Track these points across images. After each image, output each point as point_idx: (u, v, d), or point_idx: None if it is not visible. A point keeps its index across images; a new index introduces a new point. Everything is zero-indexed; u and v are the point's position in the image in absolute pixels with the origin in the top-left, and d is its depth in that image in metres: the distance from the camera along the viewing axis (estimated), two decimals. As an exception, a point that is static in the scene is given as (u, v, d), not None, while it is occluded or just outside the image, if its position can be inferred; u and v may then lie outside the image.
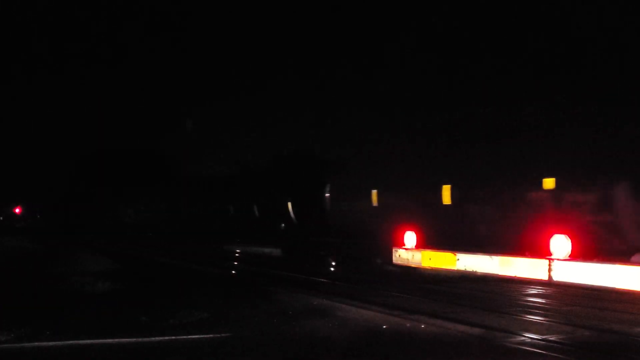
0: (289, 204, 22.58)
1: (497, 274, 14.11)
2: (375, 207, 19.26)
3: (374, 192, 19.16)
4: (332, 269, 18.24)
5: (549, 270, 12.89)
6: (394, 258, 17.84)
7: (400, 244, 17.41)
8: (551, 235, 12.89)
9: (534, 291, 12.10)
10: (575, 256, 12.48)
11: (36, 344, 7.07)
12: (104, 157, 56.62)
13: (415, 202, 17.60)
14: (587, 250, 12.56)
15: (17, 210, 71.61)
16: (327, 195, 21.29)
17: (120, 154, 55.57)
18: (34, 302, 10.26)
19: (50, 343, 7.10)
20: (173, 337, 7.49)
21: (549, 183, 14.11)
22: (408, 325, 8.47)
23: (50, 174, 61.20)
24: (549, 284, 12.60)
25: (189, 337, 7.55)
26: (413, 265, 16.78)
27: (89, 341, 7.21)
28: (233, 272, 17.66)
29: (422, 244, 16.80)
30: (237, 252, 24.46)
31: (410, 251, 17.37)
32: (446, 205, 16.55)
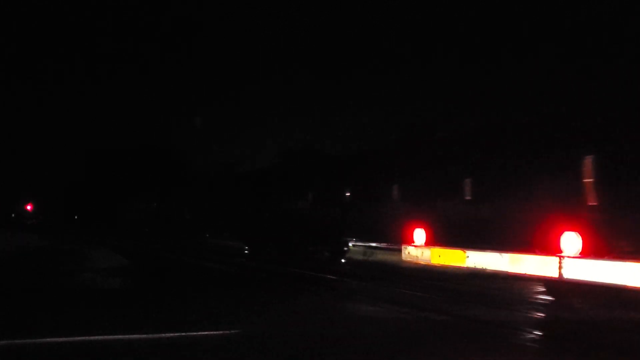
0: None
1: (507, 272, 14.04)
2: (386, 204, 19.16)
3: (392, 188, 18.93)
4: (341, 266, 18.24)
5: (560, 267, 12.81)
6: (403, 255, 17.80)
7: (410, 241, 17.37)
8: (561, 233, 12.79)
9: (543, 289, 12.05)
10: (586, 254, 12.38)
11: (48, 339, 7.13)
12: (115, 155, 56.97)
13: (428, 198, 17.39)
14: (597, 248, 12.43)
15: (28, 207, 72.10)
16: (346, 193, 20.92)
17: (130, 152, 55.87)
18: (45, 298, 10.35)
19: (62, 339, 7.16)
20: (183, 334, 7.53)
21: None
22: (417, 322, 8.47)
23: (61, 171, 61.65)
24: (560, 281, 12.53)
25: (199, 333, 7.59)
26: (422, 263, 16.75)
27: (100, 337, 7.26)
28: (242, 269, 17.71)
29: (431, 241, 16.76)
30: (246, 249, 24.50)
31: (419, 248, 17.31)
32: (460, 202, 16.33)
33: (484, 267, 14.67)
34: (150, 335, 7.42)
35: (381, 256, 18.72)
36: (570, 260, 12.54)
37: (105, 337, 7.28)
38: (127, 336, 7.33)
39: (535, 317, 9.14)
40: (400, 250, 17.99)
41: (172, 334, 7.50)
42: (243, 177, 30.68)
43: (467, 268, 15.06)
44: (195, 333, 7.58)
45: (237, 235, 24.12)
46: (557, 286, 11.35)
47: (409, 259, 17.19)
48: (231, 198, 28.20)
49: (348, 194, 20.23)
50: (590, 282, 12.03)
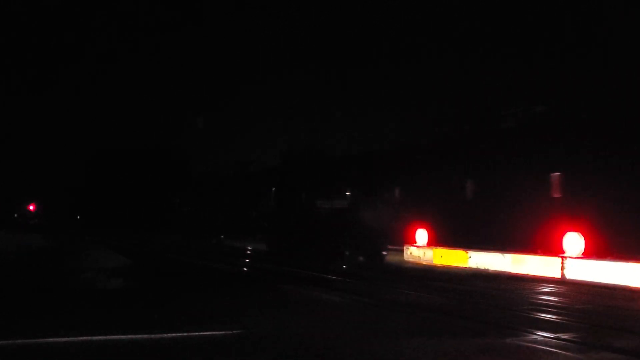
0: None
1: (510, 272, 14.02)
2: (388, 204, 19.13)
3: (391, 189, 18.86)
4: (343, 266, 18.24)
5: (562, 268, 12.78)
6: (405, 256, 17.74)
7: (412, 242, 17.34)
8: (564, 234, 12.78)
9: (546, 289, 12.03)
10: (588, 254, 12.37)
11: (51, 339, 7.13)
12: (117, 155, 57.06)
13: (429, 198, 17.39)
14: (599, 248, 12.43)
15: (31, 208, 72.18)
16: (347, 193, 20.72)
17: (132, 152, 55.93)
18: (48, 298, 10.35)
19: (65, 339, 7.16)
20: (185, 334, 7.53)
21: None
22: (420, 322, 8.46)
23: (64, 171, 61.84)
24: (562, 282, 12.52)
25: (202, 333, 7.58)
26: (424, 263, 16.72)
27: (102, 337, 7.26)
28: (244, 269, 17.70)
29: (433, 242, 16.72)
30: (249, 250, 24.53)
31: (421, 249, 17.29)
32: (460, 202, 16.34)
33: (486, 268, 14.64)
34: (152, 335, 7.42)
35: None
36: (573, 260, 12.51)
37: (108, 337, 7.29)
38: (129, 336, 7.34)
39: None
40: (402, 251, 17.98)
41: (174, 334, 7.50)
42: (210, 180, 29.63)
43: (470, 268, 15.04)
44: (197, 333, 7.58)
45: None
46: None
47: (411, 260, 17.15)
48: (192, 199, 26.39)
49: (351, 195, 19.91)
50: (591, 282, 11.99)
